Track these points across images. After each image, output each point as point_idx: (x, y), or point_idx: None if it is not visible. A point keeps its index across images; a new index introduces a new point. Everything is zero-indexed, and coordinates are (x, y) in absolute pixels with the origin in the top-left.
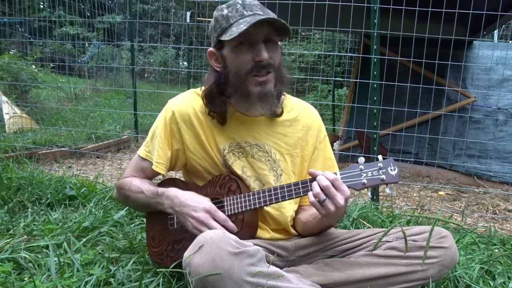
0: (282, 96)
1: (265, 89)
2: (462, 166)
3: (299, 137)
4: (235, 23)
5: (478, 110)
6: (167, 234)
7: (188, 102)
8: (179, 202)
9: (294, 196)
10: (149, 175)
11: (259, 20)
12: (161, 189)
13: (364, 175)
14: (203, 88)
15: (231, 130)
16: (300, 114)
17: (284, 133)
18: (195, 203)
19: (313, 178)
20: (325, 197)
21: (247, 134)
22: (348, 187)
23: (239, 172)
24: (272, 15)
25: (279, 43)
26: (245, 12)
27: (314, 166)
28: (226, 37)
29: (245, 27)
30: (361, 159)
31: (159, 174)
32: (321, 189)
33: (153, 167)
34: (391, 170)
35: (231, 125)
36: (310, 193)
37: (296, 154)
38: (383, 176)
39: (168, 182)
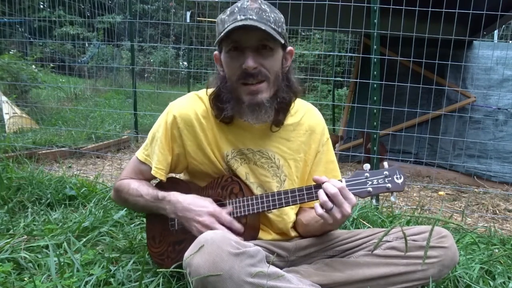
0: (293, 104)
1: (256, 99)
2: (462, 166)
3: (302, 141)
4: (227, 27)
5: (478, 110)
6: (168, 234)
7: (190, 106)
8: (182, 207)
9: (298, 202)
10: (148, 177)
11: (235, 27)
12: (161, 193)
13: (370, 183)
14: (208, 90)
15: (233, 136)
16: (304, 117)
17: (287, 138)
18: (198, 207)
19: (318, 184)
20: (332, 206)
21: (249, 140)
22: (353, 195)
23: (242, 178)
24: (267, 21)
25: (288, 48)
26: (238, 17)
27: (316, 170)
28: (216, 41)
29: (223, 33)
30: (367, 166)
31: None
32: (328, 197)
33: (153, 172)
34: (397, 178)
35: (233, 131)
36: (317, 204)
37: (300, 159)
38: (389, 185)
39: (169, 182)
